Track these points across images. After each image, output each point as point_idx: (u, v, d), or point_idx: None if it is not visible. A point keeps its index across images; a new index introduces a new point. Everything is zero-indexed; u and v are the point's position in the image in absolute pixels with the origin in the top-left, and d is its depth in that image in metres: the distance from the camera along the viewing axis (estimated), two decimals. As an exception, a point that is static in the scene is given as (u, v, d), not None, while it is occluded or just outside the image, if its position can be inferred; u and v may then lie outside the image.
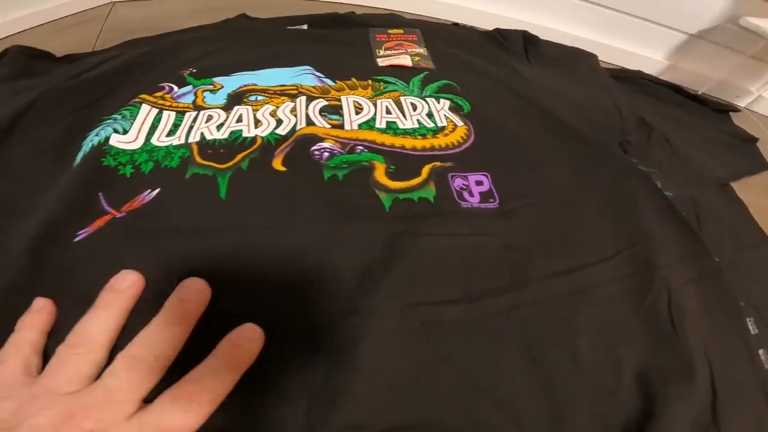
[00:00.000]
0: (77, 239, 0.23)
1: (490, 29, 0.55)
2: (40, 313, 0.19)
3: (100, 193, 0.25)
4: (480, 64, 0.46)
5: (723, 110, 0.55)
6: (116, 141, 0.29)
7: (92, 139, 0.30)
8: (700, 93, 0.60)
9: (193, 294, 0.19)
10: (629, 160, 0.36)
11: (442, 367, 0.21)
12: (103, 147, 0.29)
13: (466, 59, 0.46)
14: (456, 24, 0.59)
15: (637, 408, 0.22)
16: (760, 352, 0.28)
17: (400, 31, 0.50)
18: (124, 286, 0.20)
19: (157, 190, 0.26)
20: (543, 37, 0.60)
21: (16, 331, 0.19)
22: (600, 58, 0.63)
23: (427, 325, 0.22)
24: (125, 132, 0.30)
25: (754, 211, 0.38)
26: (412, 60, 0.44)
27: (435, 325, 0.22)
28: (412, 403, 0.20)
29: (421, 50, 0.46)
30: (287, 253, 0.24)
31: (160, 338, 0.18)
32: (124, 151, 0.29)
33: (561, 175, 0.32)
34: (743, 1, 0.58)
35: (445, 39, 0.50)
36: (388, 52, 0.45)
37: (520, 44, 0.53)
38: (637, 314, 0.26)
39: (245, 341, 0.19)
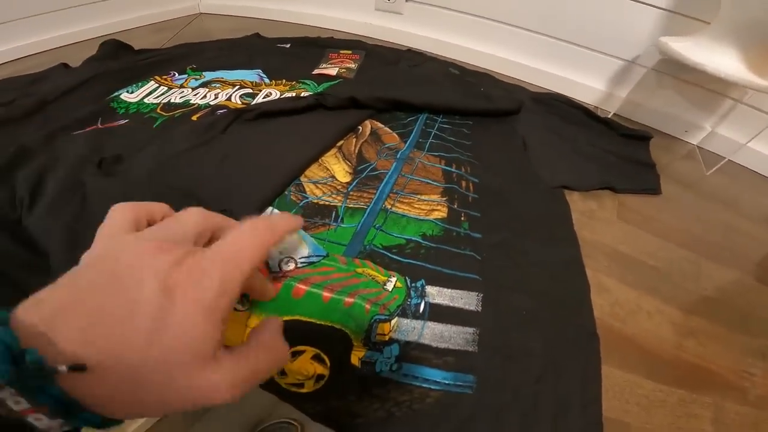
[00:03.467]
0: (74, 134, 0.45)
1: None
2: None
3: (100, 118, 0.48)
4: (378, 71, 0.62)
5: (634, 136, 0.57)
6: (124, 96, 0.52)
7: (115, 94, 0.53)
8: (609, 116, 0.61)
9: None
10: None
11: None
12: (116, 98, 0.51)
13: (376, 69, 0.62)
14: (409, 50, 0.73)
15: None
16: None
17: (350, 51, 0.67)
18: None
19: (127, 120, 0.47)
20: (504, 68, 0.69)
21: None
22: (547, 87, 0.71)
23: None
24: (131, 93, 0.53)
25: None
26: (338, 72, 0.61)
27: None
28: None
29: (352, 65, 0.63)
30: (180, 152, 0.42)
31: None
32: (125, 101, 0.51)
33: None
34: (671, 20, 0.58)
35: (382, 59, 0.66)
36: (325, 65, 0.63)
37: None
38: None
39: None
